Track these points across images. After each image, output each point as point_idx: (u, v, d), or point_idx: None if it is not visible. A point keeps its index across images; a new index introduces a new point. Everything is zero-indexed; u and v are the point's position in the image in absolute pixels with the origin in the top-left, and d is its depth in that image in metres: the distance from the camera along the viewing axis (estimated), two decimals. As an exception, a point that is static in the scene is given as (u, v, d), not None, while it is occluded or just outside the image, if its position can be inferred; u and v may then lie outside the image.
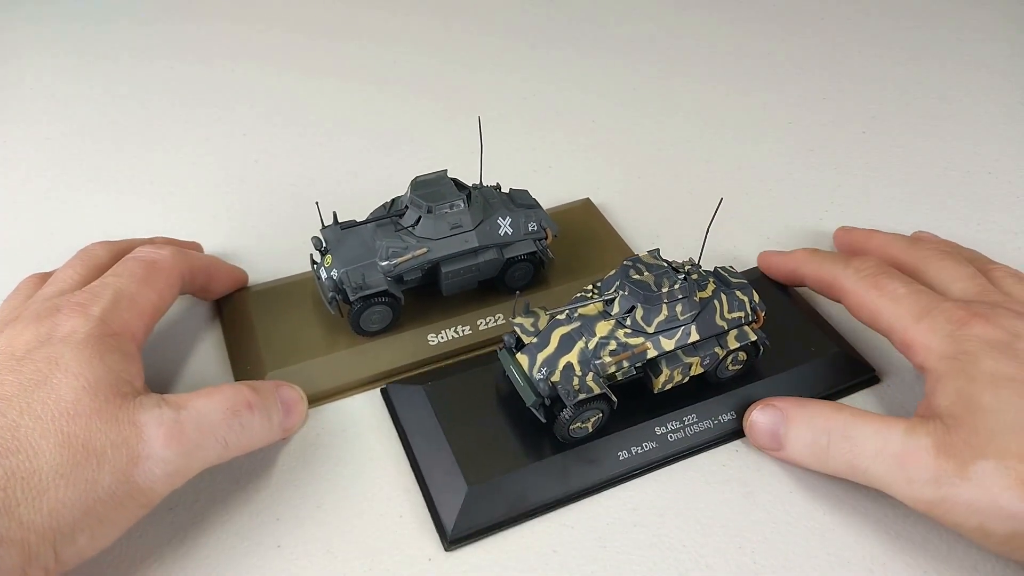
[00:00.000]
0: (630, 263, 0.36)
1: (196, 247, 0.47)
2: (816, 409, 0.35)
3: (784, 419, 0.36)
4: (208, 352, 0.43)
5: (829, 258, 0.42)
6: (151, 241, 0.44)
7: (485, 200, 0.42)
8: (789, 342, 0.41)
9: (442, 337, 0.42)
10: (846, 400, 0.40)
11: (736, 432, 0.38)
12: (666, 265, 0.36)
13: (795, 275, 0.43)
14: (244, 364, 0.41)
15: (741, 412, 0.38)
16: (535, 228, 0.43)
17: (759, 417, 0.37)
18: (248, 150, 0.58)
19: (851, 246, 0.46)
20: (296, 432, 0.38)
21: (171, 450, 0.31)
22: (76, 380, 0.30)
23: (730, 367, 0.39)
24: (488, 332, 0.42)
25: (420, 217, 0.40)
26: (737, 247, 0.49)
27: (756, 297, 0.38)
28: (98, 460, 0.29)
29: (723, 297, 0.37)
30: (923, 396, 0.35)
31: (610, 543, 0.34)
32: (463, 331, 0.42)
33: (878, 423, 0.33)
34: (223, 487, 0.36)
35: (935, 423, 0.32)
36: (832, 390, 0.40)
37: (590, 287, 0.38)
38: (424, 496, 0.36)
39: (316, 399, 0.40)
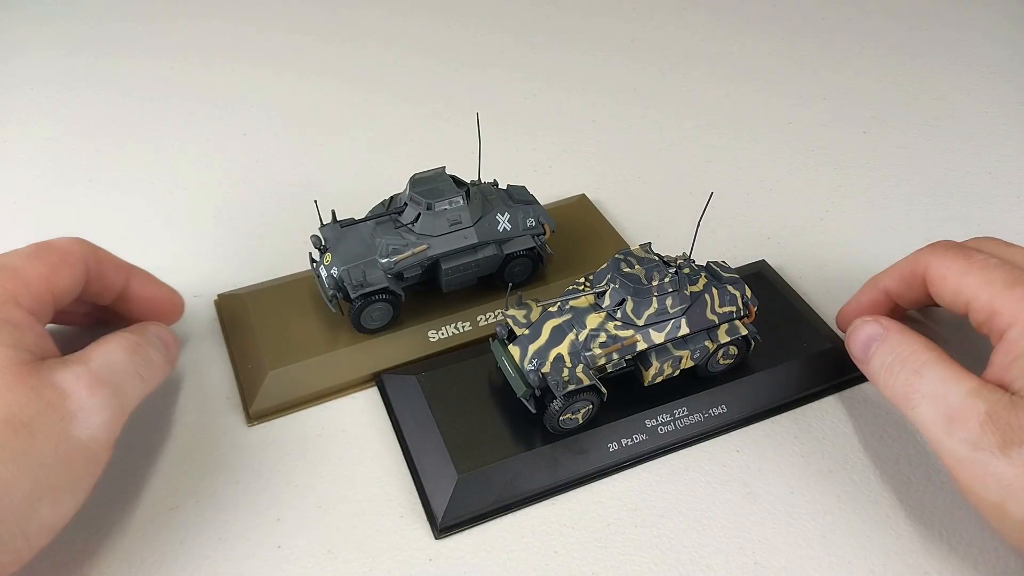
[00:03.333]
0: (621, 256, 0.37)
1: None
2: (910, 339, 0.35)
3: (882, 337, 0.36)
4: (209, 352, 0.43)
5: (901, 260, 0.40)
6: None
7: (483, 196, 0.42)
8: (781, 337, 0.41)
9: (442, 333, 0.42)
10: (837, 396, 0.40)
11: (727, 426, 0.39)
12: (657, 259, 0.36)
13: (877, 297, 0.40)
14: (245, 363, 0.41)
15: (732, 406, 0.39)
16: (533, 224, 0.43)
17: (862, 327, 0.37)
18: (248, 150, 0.58)
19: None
20: (176, 361, 0.39)
21: (99, 396, 0.31)
22: None
23: (721, 361, 0.39)
24: (488, 328, 0.43)
25: (419, 214, 0.40)
26: (737, 247, 0.49)
27: (748, 292, 0.38)
28: (28, 430, 0.29)
29: (714, 291, 0.37)
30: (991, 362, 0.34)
31: (610, 543, 0.34)
32: (463, 327, 0.42)
33: (949, 372, 0.33)
34: (223, 487, 0.36)
35: (1001, 394, 0.31)
36: (823, 385, 0.40)
37: (582, 279, 0.38)
38: (415, 484, 0.36)
39: (317, 397, 0.40)
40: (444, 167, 0.42)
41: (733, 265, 0.45)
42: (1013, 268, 0.35)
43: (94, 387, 0.31)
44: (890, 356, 0.35)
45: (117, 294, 0.39)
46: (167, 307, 0.41)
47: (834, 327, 0.43)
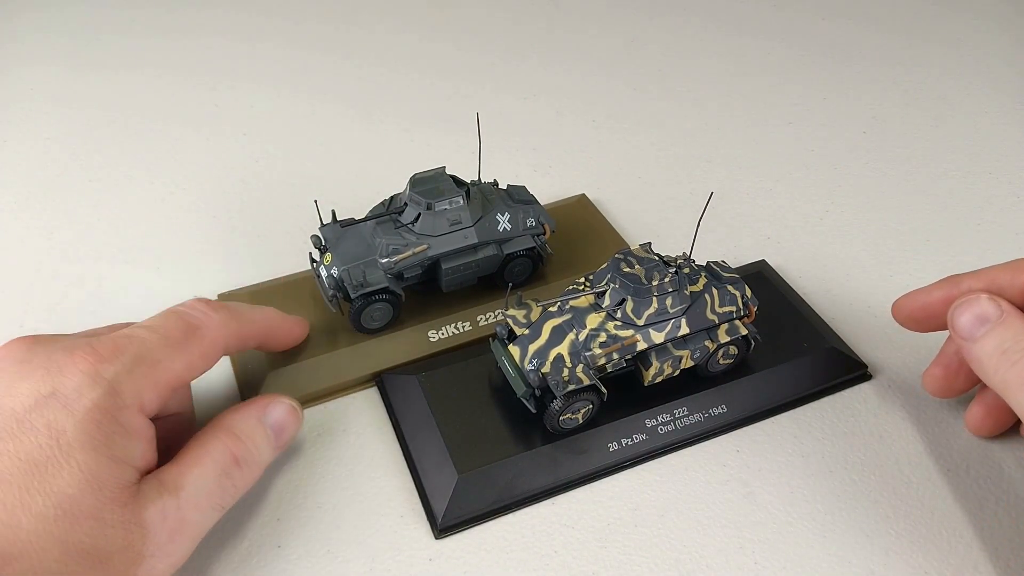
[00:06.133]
0: (621, 256, 0.37)
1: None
2: None
3: (999, 318, 0.33)
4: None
5: (990, 267, 0.36)
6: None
7: (484, 196, 0.42)
8: (782, 337, 0.41)
9: (443, 333, 0.42)
10: (837, 396, 0.40)
11: (727, 426, 0.39)
12: (657, 259, 0.36)
13: (953, 301, 0.35)
14: (245, 364, 0.41)
15: (732, 406, 0.39)
16: (533, 224, 0.43)
17: (976, 303, 0.34)
18: (248, 150, 0.58)
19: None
20: (290, 443, 0.37)
21: (176, 543, 0.30)
22: (80, 472, 0.27)
23: (721, 361, 0.39)
24: (488, 328, 0.43)
25: (420, 214, 0.40)
26: (737, 247, 0.49)
27: (748, 292, 0.38)
28: (101, 565, 0.28)
29: (714, 291, 0.37)
30: None
31: (610, 543, 0.34)
32: (463, 327, 0.42)
33: None
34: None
35: None
36: (824, 385, 0.40)
37: (582, 279, 0.38)
38: (416, 484, 0.36)
39: (317, 397, 0.40)
40: (444, 167, 0.42)
41: (733, 265, 0.45)
42: None
43: (175, 534, 0.30)
44: (1009, 341, 0.32)
45: (244, 349, 0.38)
46: (297, 338, 0.40)
47: (834, 327, 0.43)
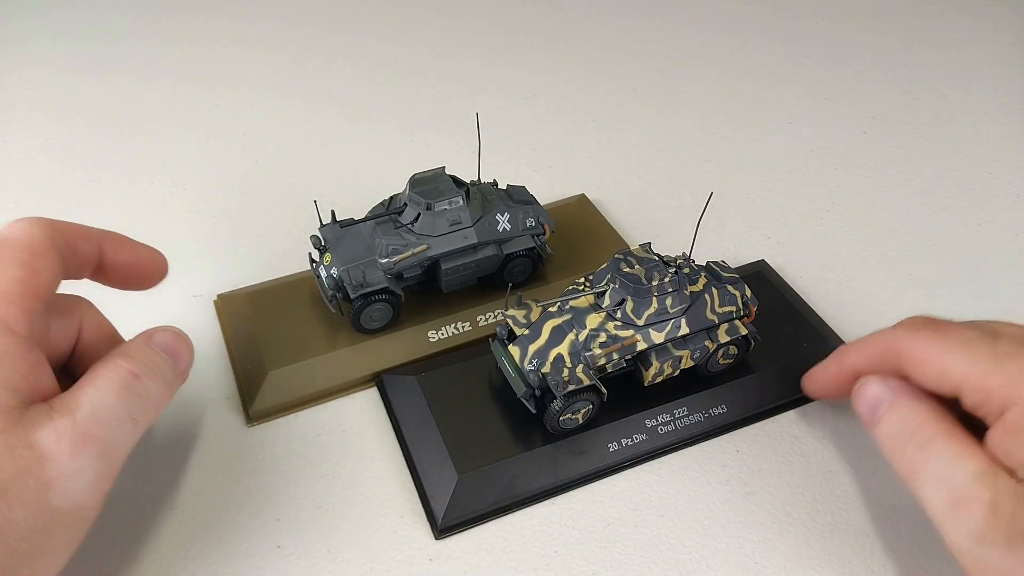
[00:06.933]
0: (621, 256, 0.37)
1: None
2: (918, 407, 0.32)
3: (889, 402, 0.33)
4: (208, 352, 0.43)
5: (873, 335, 0.36)
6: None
7: (483, 196, 0.42)
8: (782, 337, 0.41)
9: (442, 333, 0.42)
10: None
11: (727, 426, 0.39)
12: (657, 259, 0.37)
13: (844, 374, 0.36)
14: (245, 363, 0.41)
15: (732, 406, 0.39)
16: (533, 224, 0.43)
17: (869, 387, 0.34)
18: (248, 150, 0.58)
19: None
20: (190, 368, 0.34)
21: (82, 459, 0.27)
22: None
23: (721, 361, 0.39)
24: (488, 328, 0.43)
25: (419, 214, 0.40)
26: (737, 247, 0.49)
27: (748, 292, 0.38)
28: (2, 498, 0.26)
29: (714, 291, 0.37)
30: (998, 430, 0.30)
31: (611, 543, 0.34)
32: (463, 327, 0.42)
33: (956, 449, 0.30)
34: (223, 487, 0.36)
35: (1007, 480, 0.28)
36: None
37: (582, 279, 0.38)
38: (416, 485, 0.36)
39: (317, 398, 0.40)
40: (444, 167, 0.42)
41: (733, 265, 0.45)
42: (995, 338, 0.31)
43: (77, 447, 0.27)
44: (897, 425, 0.32)
45: (93, 268, 0.34)
46: (149, 269, 0.36)
47: (834, 327, 0.43)
